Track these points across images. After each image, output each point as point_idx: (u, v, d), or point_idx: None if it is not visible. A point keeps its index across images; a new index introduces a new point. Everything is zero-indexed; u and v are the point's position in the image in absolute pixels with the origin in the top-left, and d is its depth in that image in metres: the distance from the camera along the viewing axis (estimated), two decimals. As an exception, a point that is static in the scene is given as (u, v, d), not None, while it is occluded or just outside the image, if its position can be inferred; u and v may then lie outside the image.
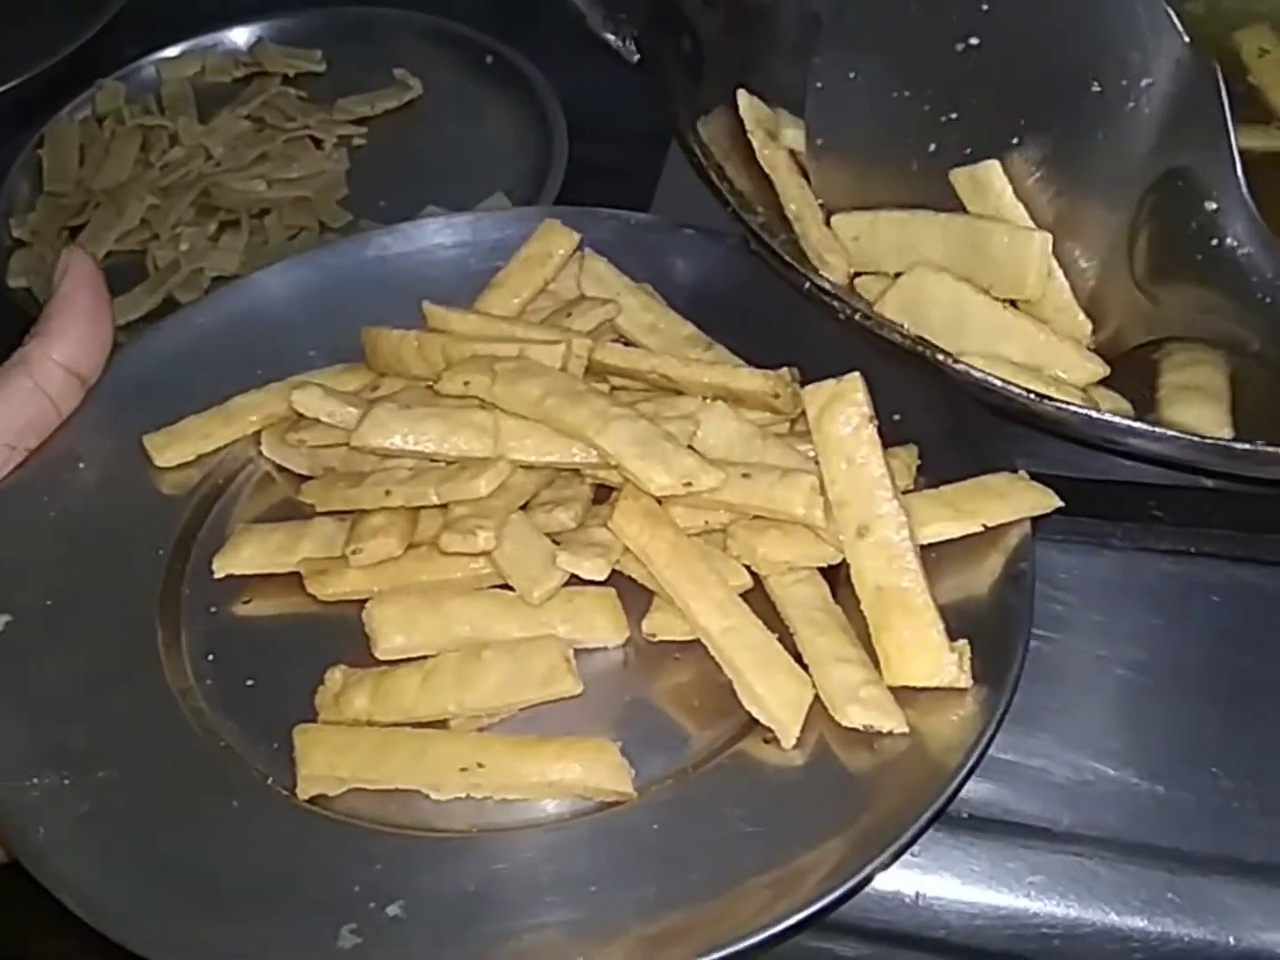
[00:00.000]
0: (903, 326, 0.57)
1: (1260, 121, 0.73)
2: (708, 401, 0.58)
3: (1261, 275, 0.58)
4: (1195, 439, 0.51)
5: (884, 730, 0.50)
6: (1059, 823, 0.55)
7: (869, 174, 0.66)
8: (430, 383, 0.59)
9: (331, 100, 0.99)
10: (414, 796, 0.51)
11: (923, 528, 0.54)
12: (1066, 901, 0.53)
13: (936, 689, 0.51)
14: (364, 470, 0.58)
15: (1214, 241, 0.58)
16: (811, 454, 0.54)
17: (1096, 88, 0.61)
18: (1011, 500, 0.55)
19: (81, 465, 0.61)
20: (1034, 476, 0.57)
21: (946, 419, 0.59)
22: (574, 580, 0.54)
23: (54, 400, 0.61)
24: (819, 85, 0.66)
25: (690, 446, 0.55)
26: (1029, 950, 0.53)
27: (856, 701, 0.50)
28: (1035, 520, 0.56)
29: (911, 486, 0.57)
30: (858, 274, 0.64)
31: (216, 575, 0.58)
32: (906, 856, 0.54)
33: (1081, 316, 0.60)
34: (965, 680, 0.51)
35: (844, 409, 0.52)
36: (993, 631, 0.52)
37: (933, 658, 0.51)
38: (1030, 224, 0.61)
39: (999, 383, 0.53)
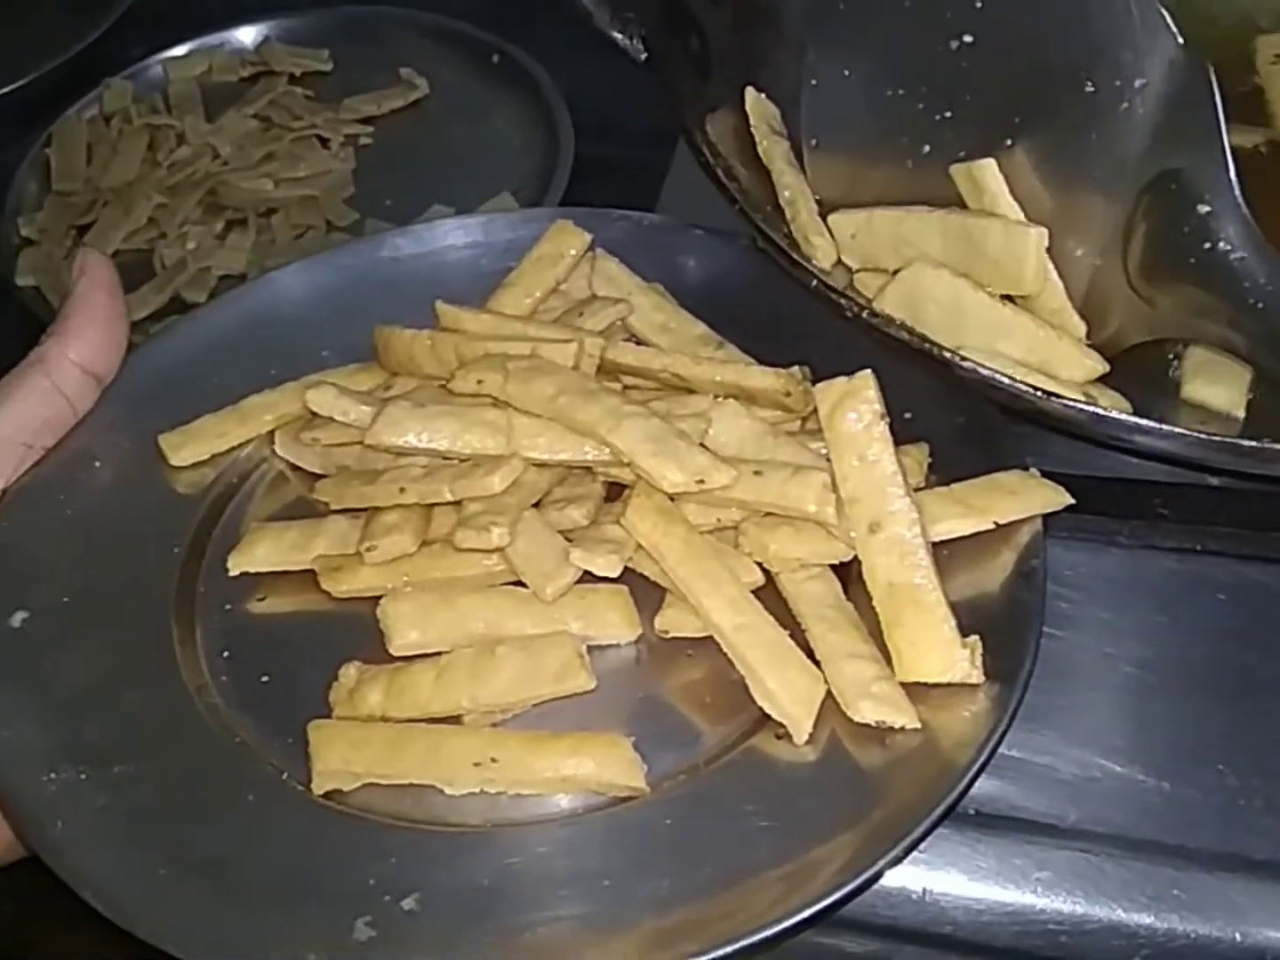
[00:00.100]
0: (908, 324, 0.57)
1: (1261, 124, 0.72)
2: (719, 400, 0.58)
3: (1254, 280, 0.57)
4: (1202, 436, 0.51)
5: (896, 726, 0.50)
6: (1065, 819, 0.55)
7: (864, 172, 0.66)
8: (443, 382, 0.59)
9: (338, 99, 0.99)
10: (428, 791, 0.51)
11: (934, 525, 0.54)
12: (1073, 898, 0.53)
13: (948, 685, 0.51)
14: (378, 468, 0.58)
15: (1207, 245, 0.58)
16: (823, 451, 0.54)
17: (1090, 88, 0.62)
18: (1023, 497, 0.55)
19: (97, 464, 0.61)
20: (1042, 474, 0.57)
21: (957, 417, 0.59)
22: (587, 577, 0.54)
23: (70, 399, 0.61)
24: (813, 83, 0.66)
25: (702, 444, 0.55)
26: (1035, 946, 0.53)
27: (868, 697, 0.50)
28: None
29: (923, 484, 0.57)
30: (856, 270, 0.64)
31: (231, 573, 0.58)
32: (913, 852, 0.54)
33: (1076, 318, 0.60)
34: (977, 676, 0.51)
35: (855, 406, 0.52)
36: (1004, 628, 0.52)
37: (944, 654, 0.51)
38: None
39: (1006, 380, 0.53)
